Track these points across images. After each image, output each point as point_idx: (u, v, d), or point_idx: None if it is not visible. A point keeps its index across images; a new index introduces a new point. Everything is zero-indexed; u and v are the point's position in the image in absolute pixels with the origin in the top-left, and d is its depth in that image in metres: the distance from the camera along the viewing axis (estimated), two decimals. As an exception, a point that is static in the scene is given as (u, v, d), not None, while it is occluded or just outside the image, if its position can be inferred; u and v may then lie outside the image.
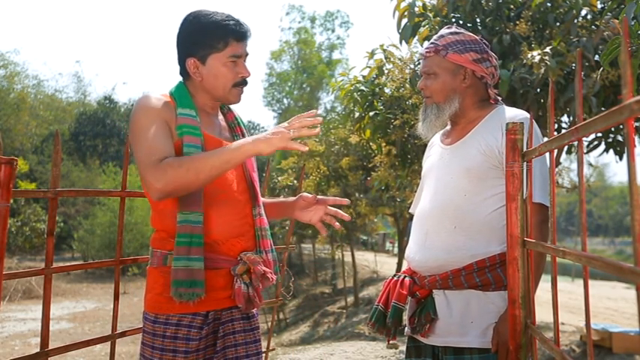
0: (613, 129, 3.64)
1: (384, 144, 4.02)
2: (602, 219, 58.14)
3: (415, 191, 2.11)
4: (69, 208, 20.72)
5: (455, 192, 1.62)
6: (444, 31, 1.71)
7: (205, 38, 1.48)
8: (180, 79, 1.57)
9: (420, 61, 1.81)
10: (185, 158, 1.38)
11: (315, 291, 14.30)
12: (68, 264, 2.05)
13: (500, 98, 1.75)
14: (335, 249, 12.07)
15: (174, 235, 1.43)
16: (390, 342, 1.72)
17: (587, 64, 3.05)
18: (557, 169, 4.52)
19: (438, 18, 3.45)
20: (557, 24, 3.22)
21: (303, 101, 27.09)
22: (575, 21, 3.15)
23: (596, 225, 58.48)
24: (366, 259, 17.64)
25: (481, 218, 1.57)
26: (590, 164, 7.53)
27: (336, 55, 28.01)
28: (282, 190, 9.91)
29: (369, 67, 3.88)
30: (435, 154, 1.77)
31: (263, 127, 31.60)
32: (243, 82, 1.55)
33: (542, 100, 3.28)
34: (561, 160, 3.95)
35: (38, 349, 1.66)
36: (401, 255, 10.67)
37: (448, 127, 1.78)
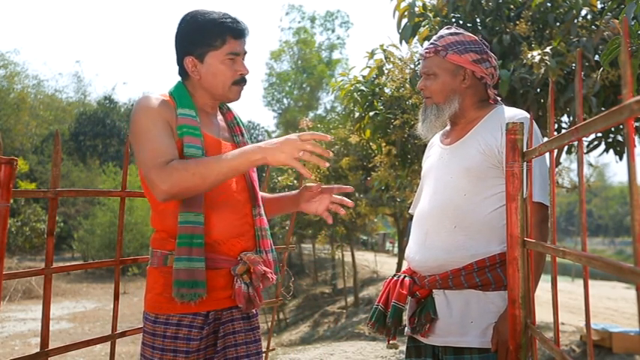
0: (613, 129, 3.64)
1: (384, 144, 4.01)
2: (602, 219, 58.14)
3: (415, 191, 2.11)
4: (69, 208, 20.72)
5: (455, 192, 1.62)
6: (443, 31, 1.71)
7: (203, 36, 1.48)
8: (179, 79, 1.57)
9: (420, 61, 1.81)
10: (191, 162, 1.37)
11: (315, 291, 14.31)
12: (68, 264, 2.05)
13: (499, 98, 1.75)
14: (335, 249, 12.08)
15: (175, 235, 1.43)
16: (390, 342, 1.73)
17: (587, 64, 3.05)
18: (557, 169, 4.52)
19: (438, 18, 3.45)
20: (557, 24, 3.22)
21: (303, 101, 27.08)
22: (575, 21, 3.15)
23: (596, 225, 58.48)
24: (366, 259, 17.65)
25: (481, 218, 1.57)
26: (590, 164, 7.53)
27: (336, 55, 28.01)
28: (282, 190, 9.90)
29: (369, 67, 3.88)
30: (435, 155, 1.77)
31: (263, 127, 31.61)
32: (243, 80, 1.55)
33: (542, 100, 3.28)
34: (561, 160, 3.95)
35: (38, 349, 1.66)
36: (401, 255, 10.67)
37: (448, 128, 1.78)
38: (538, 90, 3.24)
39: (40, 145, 23.62)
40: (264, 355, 1.62)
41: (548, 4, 3.25)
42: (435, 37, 1.72)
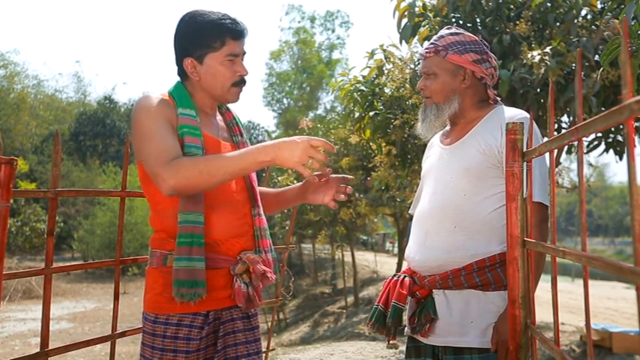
0: (613, 129, 3.64)
1: (384, 144, 4.01)
2: (602, 219, 58.14)
3: (415, 191, 2.11)
4: (69, 208, 20.72)
5: (454, 192, 1.62)
6: (444, 31, 1.71)
7: (202, 38, 1.47)
8: (179, 79, 1.57)
9: (420, 61, 1.81)
10: (199, 159, 1.37)
11: (315, 291, 14.30)
12: (68, 264, 2.05)
13: (499, 99, 1.75)
14: (335, 249, 12.06)
15: (174, 235, 1.43)
16: (390, 342, 1.73)
17: (587, 64, 3.05)
18: (557, 169, 4.52)
19: (438, 18, 3.44)
20: (557, 24, 3.22)
21: (303, 101, 27.06)
22: (575, 21, 3.15)
23: (596, 225, 58.48)
24: (366, 259, 17.64)
25: (481, 218, 1.58)
26: (590, 164, 7.54)
27: (336, 55, 27.98)
28: (282, 189, 9.88)
29: (369, 67, 3.88)
30: (435, 155, 1.77)
31: (263, 127, 31.63)
32: (242, 81, 1.55)
33: (542, 100, 3.28)
34: (561, 160, 3.95)
35: (38, 349, 1.66)
36: (401, 255, 10.67)
37: (447, 128, 1.78)
38: (538, 90, 3.24)
39: (40, 145, 23.62)
40: (263, 354, 1.62)
41: (548, 4, 3.25)
42: (435, 37, 1.72)
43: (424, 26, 3.40)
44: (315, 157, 1.36)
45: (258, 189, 1.76)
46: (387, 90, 3.81)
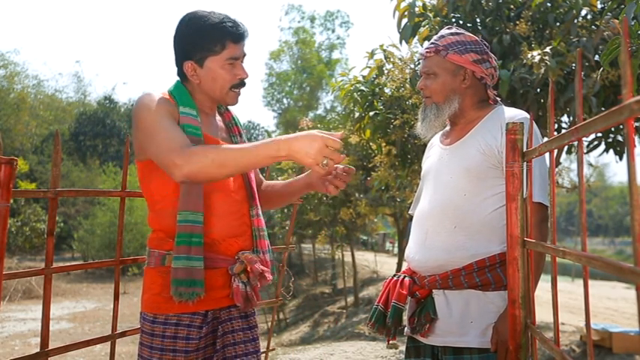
0: (613, 129, 3.64)
1: (384, 144, 4.01)
2: (602, 219, 58.14)
3: (415, 191, 2.11)
4: (69, 208, 20.72)
5: (454, 192, 1.62)
6: (444, 31, 1.71)
7: (202, 41, 1.46)
8: (178, 79, 1.57)
9: (420, 61, 1.81)
10: (212, 149, 1.34)
11: (315, 291, 14.30)
12: (68, 264, 2.05)
13: (499, 99, 1.75)
14: (335, 249, 12.05)
15: (173, 235, 1.42)
16: (390, 342, 1.73)
17: (587, 64, 3.05)
18: (557, 169, 4.52)
19: (438, 18, 3.45)
20: (557, 24, 3.22)
21: (302, 101, 27.05)
22: (575, 21, 3.15)
23: (596, 225, 58.48)
24: (366, 259, 17.64)
25: (481, 218, 1.58)
26: (590, 164, 7.54)
27: (335, 55, 27.96)
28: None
29: (369, 67, 3.88)
30: (435, 155, 1.77)
31: (263, 127, 31.61)
32: (241, 84, 1.54)
33: (542, 100, 3.28)
34: (561, 160, 3.95)
35: (38, 349, 1.66)
36: (401, 255, 10.67)
37: (447, 128, 1.78)
38: (538, 90, 3.24)
39: (40, 145, 23.62)
40: (262, 354, 1.62)
41: (548, 4, 3.25)
42: (435, 37, 1.72)
43: (424, 26, 3.40)
44: (331, 158, 1.30)
45: (267, 182, 1.76)
46: (387, 90, 3.81)
